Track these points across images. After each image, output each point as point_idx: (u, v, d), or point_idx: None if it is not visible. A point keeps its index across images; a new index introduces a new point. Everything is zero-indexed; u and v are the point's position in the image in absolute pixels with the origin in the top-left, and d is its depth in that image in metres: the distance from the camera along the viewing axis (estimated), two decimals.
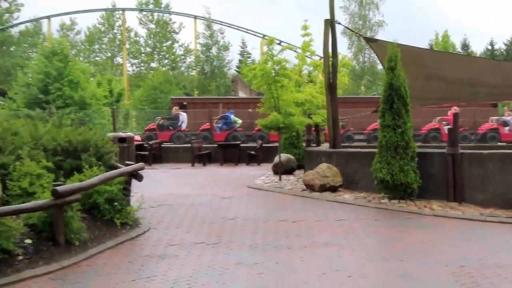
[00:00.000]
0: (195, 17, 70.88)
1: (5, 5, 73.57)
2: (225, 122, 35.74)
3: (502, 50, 73.28)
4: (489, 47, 74.20)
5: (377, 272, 8.96)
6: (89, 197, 11.30)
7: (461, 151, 14.53)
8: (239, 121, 35.13)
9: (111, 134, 21.10)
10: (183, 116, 36.81)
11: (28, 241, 9.67)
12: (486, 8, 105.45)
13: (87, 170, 11.65)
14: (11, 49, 73.25)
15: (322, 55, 19.39)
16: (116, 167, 12.53)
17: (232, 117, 35.51)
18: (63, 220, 9.94)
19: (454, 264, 9.19)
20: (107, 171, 11.91)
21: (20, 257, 9.22)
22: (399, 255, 9.99)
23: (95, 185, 10.98)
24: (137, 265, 9.49)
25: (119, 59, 79.61)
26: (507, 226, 12.26)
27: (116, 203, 11.61)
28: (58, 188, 9.77)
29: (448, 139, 14.72)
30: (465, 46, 73.55)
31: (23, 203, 9.91)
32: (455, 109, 29.63)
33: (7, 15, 73.10)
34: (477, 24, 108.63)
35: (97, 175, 11.30)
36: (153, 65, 78.94)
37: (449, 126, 14.96)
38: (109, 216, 11.46)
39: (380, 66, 46.32)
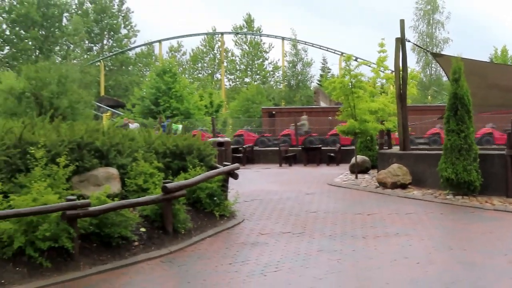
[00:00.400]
0: (283, 38, 71.01)
1: (124, 32, 75.76)
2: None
3: None
4: None
5: (442, 259, 8.78)
6: (193, 192, 11.48)
7: None
8: (180, 127, 33.66)
9: (211, 140, 21.35)
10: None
11: (143, 229, 9.93)
12: None
13: (191, 170, 11.86)
14: (129, 68, 75.23)
15: (393, 69, 19.09)
16: (215, 167, 12.65)
17: (173, 125, 34.33)
18: (172, 212, 10.16)
19: None
20: (208, 171, 12.04)
21: (136, 243, 9.48)
22: (463, 244, 9.80)
23: (198, 182, 11.16)
24: (233, 251, 9.59)
25: (218, 75, 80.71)
26: None
27: (215, 198, 11.78)
28: (167, 185, 10.02)
29: (507, 142, 14.29)
30: None
31: (139, 197, 10.19)
32: None
33: (125, 40, 75.13)
34: None
35: (199, 174, 11.47)
36: (247, 80, 79.62)
37: (508, 131, 14.37)
38: (209, 209, 11.64)
39: (445, 78, 45.27)
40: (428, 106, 46.53)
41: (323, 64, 72.28)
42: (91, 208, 8.70)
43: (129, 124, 33.61)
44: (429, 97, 62.24)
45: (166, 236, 9.97)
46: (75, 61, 56.20)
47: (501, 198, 13.86)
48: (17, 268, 8.08)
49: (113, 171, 11.03)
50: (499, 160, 14.36)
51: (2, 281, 7.76)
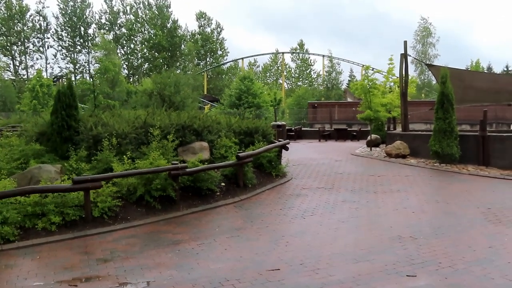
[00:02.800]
0: (323, 56, 69.36)
1: (219, 53, 76.01)
2: None
3: None
4: (505, 69, 67.72)
5: (431, 209, 8.18)
6: (258, 159, 11.10)
7: (488, 134, 13.34)
8: None
9: (273, 123, 20.91)
10: None
11: (223, 184, 9.71)
12: (506, 47, 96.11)
13: (257, 144, 11.44)
14: (222, 76, 75.44)
15: (398, 75, 18.21)
16: (273, 142, 12.17)
17: None
18: (242, 172, 9.94)
19: (483, 206, 8.24)
20: (268, 145, 11.60)
21: (218, 193, 9.26)
22: (446, 199, 9.12)
23: (261, 153, 10.80)
24: (283, 199, 9.22)
25: (280, 81, 79.72)
26: None
27: (273, 163, 11.39)
28: (239, 154, 9.81)
29: (480, 126, 13.41)
30: (489, 68, 67.58)
31: (221, 162, 9.86)
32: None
33: (220, 58, 75.40)
34: (499, 54, 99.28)
35: (262, 147, 11.05)
36: (299, 83, 78.41)
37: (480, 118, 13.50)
38: (268, 170, 11.26)
39: (434, 82, 43.51)
40: (422, 100, 44.37)
41: (350, 73, 70.71)
42: (188, 169, 8.56)
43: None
44: (423, 95, 59.68)
45: (238, 189, 9.65)
46: (188, 72, 56.60)
47: (474, 166, 13.04)
48: (138, 209, 8.01)
49: (205, 144, 10.77)
50: (474, 139, 13.57)
51: (128, 217, 7.66)
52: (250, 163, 10.25)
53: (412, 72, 61.46)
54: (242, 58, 72.68)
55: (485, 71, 59.70)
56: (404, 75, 17.35)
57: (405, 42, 17.50)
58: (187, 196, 8.72)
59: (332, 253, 5.74)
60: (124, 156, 8.78)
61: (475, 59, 64.73)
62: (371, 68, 21.00)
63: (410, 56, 17.95)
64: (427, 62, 54.70)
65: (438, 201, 8.84)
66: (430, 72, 34.88)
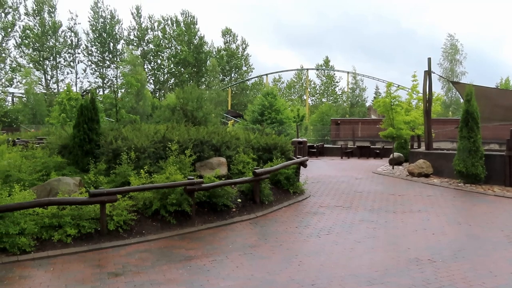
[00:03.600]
0: (348, 72, 69.07)
1: (244, 69, 76.60)
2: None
3: None
4: None
5: (453, 231, 7.86)
6: (275, 175, 11.03)
7: None
8: None
9: (294, 140, 20.80)
10: None
11: (239, 200, 9.64)
12: None
13: (275, 160, 11.34)
14: (247, 92, 75.85)
15: (422, 92, 17.92)
16: (292, 159, 12.07)
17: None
18: (259, 189, 9.83)
19: (507, 229, 7.94)
20: (286, 161, 11.50)
21: (234, 209, 9.18)
22: (469, 220, 8.77)
23: (278, 169, 10.69)
24: (300, 217, 9.05)
25: (304, 97, 79.58)
26: None
27: (290, 180, 11.27)
28: (256, 170, 9.72)
29: (506, 145, 13.07)
30: None
31: (238, 178, 9.80)
32: None
33: (245, 74, 75.91)
34: None
35: (280, 163, 10.94)
36: (324, 100, 78.15)
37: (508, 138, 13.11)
38: (286, 187, 11.13)
39: (461, 99, 42.65)
40: (447, 118, 43.52)
41: (376, 90, 70.10)
42: (203, 185, 8.52)
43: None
44: (450, 112, 58.59)
45: (255, 205, 9.55)
46: (213, 87, 57.14)
47: (500, 187, 12.69)
48: (154, 223, 7.99)
49: (223, 159, 10.74)
50: (500, 159, 13.17)
51: (143, 231, 7.64)
52: (267, 179, 10.18)
53: (439, 89, 60.79)
54: (267, 74, 73.16)
55: None
56: (427, 93, 17.06)
57: (429, 59, 17.27)
58: (202, 211, 8.69)
59: (345, 274, 5.57)
60: (142, 170, 8.84)
61: (505, 77, 63.38)
62: (394, 85, 20.70)
63: (434, 73, 17.61)
64: (454, 80, 53.91)
65: (460, 223, 8.53)
66: (456, 89, 34.18)
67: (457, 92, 51.16)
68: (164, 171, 8.87)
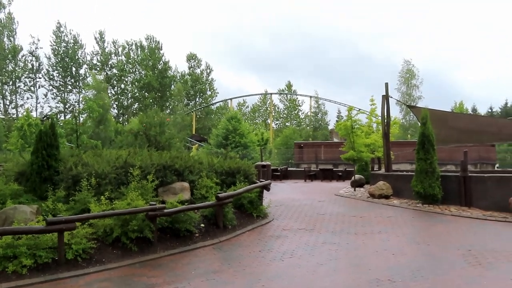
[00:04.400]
0: (310, 97, 70.36)
1: (209, 93, 76.73)
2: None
3: (498, 112, 68.05)
4: (489, 110, 69.15)
5: (412, 251, 8.02)
6: (239, 199, 11.00)
7: (469, 174, 13.50)
8: None
9: (257, 163, 20.87)
10: None
11: (202, 225, 9.53)
12: (490, 85, 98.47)
13: (238, 184, 11.32)
14: (211, 116, 75.90)
15: (381, 116, 18.46)
16: (255, 182, 12.08)
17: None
18: (222, 213, 9.76)
19: (463, 248, 8.16)
20: (250, 185, 11.50)
21: (197, 235, 9.07)
22: (427, 240, 8.99)
23: (241, 193, 10.67)
24: (263, 241, 9.02)
25: (268, 121, 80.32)
26: (501, 223, 10.92)
27: (254, 203, 11.25)
28: (219, 195, 9.67)
29: (461, 166, 13.55)
30: (474, 110, 68.95)
31: (201, 203, 9.71)
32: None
33: (210, 98, 76.04)
34: (483, 95, 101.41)
35: (243, 187, 10.93)
36: (287, 124, 79.08)
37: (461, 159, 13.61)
38: (249, 211, 11.11)
39: (418, 123, 44.11)
40: (405, 141, 44.84)
41: (338, 113, 71.74)
42: (166, 210, 8.41)
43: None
44: (409, 135, 60.43)
45: (218, 230, 9.46)
46: (178, 112, 56.81)
47: (456, 207, 13.08)
48: (114, 251, 7.78)
49: (186, 184, 10.66)
50: (455, 179, 13.62)
51: (103, 259, 7.42)
52: (231, 203, 10.13)
53: (398, 113, 62.66)
54: (231, 99, 73.47)
55: (470, 113, 60.94)
56: (386, 116, 17.58)
57: (386, 84, 17.84)
58: (165, 237, 8.53)
59: None
60: (102, 196, 8.63)
61: (459, 100, 66.22)
62: (355, 109, 21.26)
63: (391, 97, 18.22)
64: (412, 104, 55.84)
65: (418, 243, 8.72)
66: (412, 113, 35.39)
67: (414, 115, 53.34)
68: (126, 197, 8.70)
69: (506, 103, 68.81)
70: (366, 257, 7.61)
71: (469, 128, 18.92)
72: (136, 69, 71.34)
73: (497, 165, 38.31)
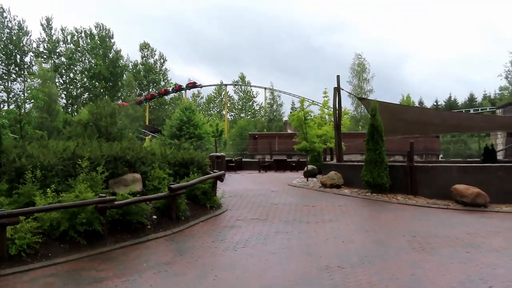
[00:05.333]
0: (265, 88, 70.72)
1: (162, 83, 75.41)
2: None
3: (443, 105, 71.12)
4: (435, 103, 72.14)
5: (360, 239, 8.24)
6: (192, 190, 10.90)
7: (415, 164, 14.00)
8: None
9: (212, 154, 20.77)
10: None
11: (154, 216, 9.38)
12: (436, 80, 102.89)
13: (192, 175, 11.22)
14: (165, 107, 74.78)
15: (332, 107, 18.82)
16: (209, 173, 12.00)
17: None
18: (175, 204, 9.64)
19: (409, 235, 8.47)
20: (203, 176, 11.42)
21: (149, 226, 8.92)
22: (375, 228, 9.27)
23: (194, 184, 10.57)
24: (217, 231, 8.98)
25: (223, 112, 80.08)
26: (443, 210, 11.44)
27: (207, 194, 11.17)
28: (172, 186, 9.56)
29: (407, 157, 14.09)
30: (420, 103, 71.76)
31: (154, 194, 9.57)
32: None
33: (163, 89, 74.76)
34: (429, 89, 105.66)
35: (196, 178, 10.84)
36: (242, 115, 79.19)
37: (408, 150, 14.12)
38: (203, 202, 11.02)
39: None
40: (356, 132, 46.00)
41: (292, 105, 72.52)
42: (116, 202, 8.19)
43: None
44: (360, 127, 62.05)
45: (171, 221, 9.35)
46: (130, 102, 55.42)
47: (403, 195, 13.55)
48: (61, 245, 7.52)
49: (137, 176, 10.44)
50: (402, 169, 14.07)
51: (50, 254, 7.16)
52: (184, 194, 10.03)
53: (350, 105, 64.08)
54: (186, 89, 72.55)
55: (417, 105, 63.26)
56: (337, 108, 17.94)
57: (338, 77, 18.19)
58: (115, 230, 8.32)
59: (259, 286, 5.62)
60: (49, 189, 8.29)
61: (406, 93, 68.61)
62: (308, 100, 21.55)
63: (343, 89, 18.61)
64: (363, 96, 57.29)
65: (367, 230, 8.98)
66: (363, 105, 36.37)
67: (365, 107, 54.68)
68: (74, 190, 8.40)
69: (450, 97, 72.09)
70: (317, 245, 7.75)
71: (415, 120, 19.62)
72: (86, 58, 68.99)
73: (441, 155, 40.13)
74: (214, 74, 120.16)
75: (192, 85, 68.89)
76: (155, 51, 76.08)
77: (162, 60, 76.30)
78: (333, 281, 5.73)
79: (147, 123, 63.20)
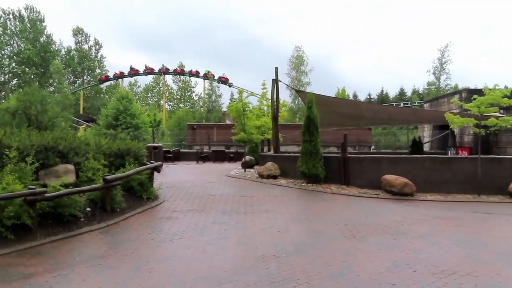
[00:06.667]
0: (204, 78, 69.92)
1: (98, 71, 72.41)
2: None
3: (376, 98, 74.10)
4: (368, 97, 75.00)
5: (296, 228, 8.45)
6: (128, 182, 10.62)
7: (348, 155, 14.48)
8: None
9: (149, 145, 20.34)
10: None
11: (88, 209, 9.05)
12: (369, 74, 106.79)
13: (128, 166, 10.93)
14: (101, 95, 72.02)
15: (271, 99, 19.00)
16: (145, 164, 11.75)
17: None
18: (110, 196, 9.36)
19: (341, 223, 8.84)
20: (140, 167, 11.16)
21: (82, 219, 8.61)
22: (310, 217, 9.55)
23: (131, 175, 10.32)
24: (153, 223, 8.85)
25: (161, 102, 78.38)
26: (373, 199, 12.03)
27: (144, 185, 10.95)
28: (107, 177, 9.27)
29: (341, 148, 14.56)
30: (354, 96, 74.24)
31: (88, 186, 9.21)
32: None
33: (99, 76, 71.91)
34: (363, 83, 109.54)
35: (133, 169, 10.57)
36: (181, 105, 77.95)
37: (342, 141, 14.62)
38: (139, 193, 10.79)
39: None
40: (293, 124, 46.92)
41: (231, 96, 72.31)
42: (47, 194, 7.79)
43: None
44: (297, 118, 63.18)
45: (106, 214, 9.06)
46: (63, 90, 52.68)
47: (337, 185, 14.04)
48: None
49: (70, 167, 9.97)
50: (336, 160, 14.49)
51: None
52: (119, 186, 9.75)
53: (287, 97, 65.07)
54: (122, 77, 70.18)
55: (351, 99, 65.46)
56: (275, 100, 18.17)
57: (276, 69, 18.40)
58: (46, 223, 7.93)
59: (196, 276, 5.62)
60: None
61: (341, 87, 70.72)
62: (246, 91, 21.62)
63: (281, 81, 18.87)
64: (301, 89, 58.31)
65: (302, 220, 9.23)
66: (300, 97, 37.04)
67: (301, 100, 55.71)
68: (1, 181, 7.90)
69: (382, 91, 75.28)
70: (254, 235, 7.86)
71: (349, 113, 20.31)
72: (15, 42, 64.64)
73: (372, 147, 41.91)
74: (151, 62, 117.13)
75: (225, 80, 65.93)
76: (89, 36, 72.70)
77: (97, 47, 73.08)
78: (269, 270, 5.85)
79: (81, 112, 60.52)
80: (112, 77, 67.90)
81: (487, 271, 5.84)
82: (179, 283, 5.36)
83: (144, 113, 43.11)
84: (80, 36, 71.77)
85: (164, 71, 67.77)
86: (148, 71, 67.11)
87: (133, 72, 66.60)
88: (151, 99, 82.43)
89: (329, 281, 5.40)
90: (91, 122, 47.18)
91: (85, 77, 72.25)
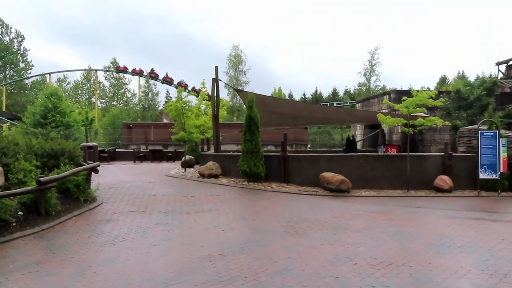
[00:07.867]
0: (139, 76, 68.19)
1: (22, 65, 68.33)
2: None
3: (310, 98, 75.98)
4: (303, 96, 76.67)
5: (239, 227, 8.57)
6: (63, 183, 10.22)
7: (288, 154, 14.82)
8: None
9: (83, 144, 19.59)
10: None
11: (20, 213, 8.56)
12: (302, 74, 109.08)
13: (63, 167, 10.48)
14: (26, 92, 68.01)
15: (211, 98, 18.99)
16: (82, 165, 11.35)
17: None
18: (44, 199, 8.94)
19: (283, 220, 9.07)
20: (76, 168, 10.76)
21: (14, 224, 8.18)
22: (253, 215, 9.72)
23: (66, 176, 9.91)
24: (92, 226, 8.58)
25: (93, 99, 75.42)
26: (313, 197, 12.44)
27: (81, 187, 10.60)
28: (40, 179, 8.82)
29: (281, 147, 14.89)
30: (290, 95, 75.65)
31: (19, 189, 8.74)
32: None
33: (23, 71, 67.85)
34: (298, 83, 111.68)
35: (68, 170, 10.16)
36: (114, 103, 75.42)
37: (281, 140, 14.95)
38: (76, 195, 10.41)
39: (244, 106, 46.41)
40: (233, 123, 47.08)
41: (167, 94, 71.19)
42: None
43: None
44: (235, 117, 63.44)
45: (40, 218, 8.65)
46: None
47: (277, 183, 14.35)
48: None
49: None
50: (277, 159, 14.84)
51: None
52: (54, 188, 9.34)
53: (226, 95, 65.12)
54: (50, 73, 66.77)
55: (287, 98, 66.73)
56: (215, 99, 18.19)
57: (216, 68, 18.42)
58: None
59: (142, 279, 5.54)
60: None
61: (277, 86, 71.88)
62: (186, 91, 21.43)
63: (221, 80, 18.90)
64: (239, 88, 58.60)
65: (245, 218, 9.36)
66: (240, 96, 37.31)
67: (241, 99, 55.96)
68: None
69: (316, 91, 77.35)
70: (198, 235, 7.88)
71: (287, 112, 20.81)
72: None
73: (309, 145, 43.08)
74: (80, 57, 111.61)
75: (169, 80, 62.72)
76: (10, 28, 68.27)
77: (20, 39, 68.84)
78: (216, 269, 5.90)
79: (4, 109, 56.83)
80: (130, 71, 64.77)
81: (419, 260, 6.28)
82: (124, 287, 5.27)
83: (75, 111, 41.32)
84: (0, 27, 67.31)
85: (138, 72, 65.33)
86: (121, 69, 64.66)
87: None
88: (82, 97, 79.01)
89: (276, 277, 5.55)
90: (16, 120, 44.45)
91: (7, 72, 67.88)
